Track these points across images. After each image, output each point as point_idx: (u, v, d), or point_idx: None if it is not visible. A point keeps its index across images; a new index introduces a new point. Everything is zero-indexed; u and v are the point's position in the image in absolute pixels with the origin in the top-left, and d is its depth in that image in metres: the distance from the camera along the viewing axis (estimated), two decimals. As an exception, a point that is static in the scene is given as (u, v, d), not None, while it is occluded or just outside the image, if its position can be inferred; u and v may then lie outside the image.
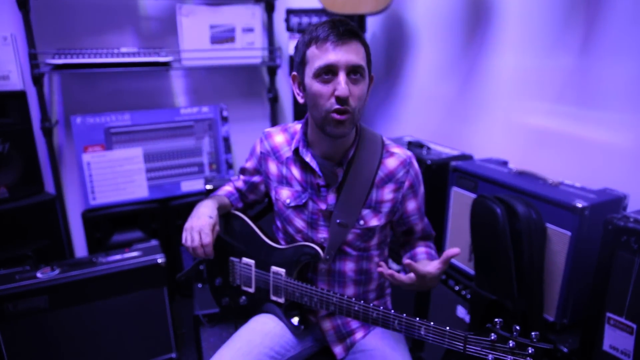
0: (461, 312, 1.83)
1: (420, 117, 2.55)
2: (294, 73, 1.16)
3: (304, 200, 1.23)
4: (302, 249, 1.23)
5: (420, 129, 2.53)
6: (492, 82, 2.05)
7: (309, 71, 1.08)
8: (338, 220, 1.19)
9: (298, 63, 1.12)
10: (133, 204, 2.45)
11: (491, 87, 2.06)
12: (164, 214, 2.49)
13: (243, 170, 1.41)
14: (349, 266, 1.26)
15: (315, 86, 1.06)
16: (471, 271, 1.78)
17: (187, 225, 1.21)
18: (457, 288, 1.84)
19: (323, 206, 1.21)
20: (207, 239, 1.17)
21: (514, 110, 1.95)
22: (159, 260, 1.98)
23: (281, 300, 1.24)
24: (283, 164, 1.27)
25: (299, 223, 1.26)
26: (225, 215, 1.36)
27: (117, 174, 2.39)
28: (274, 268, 1.25)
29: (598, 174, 1.63)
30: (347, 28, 1.05)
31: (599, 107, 1.62)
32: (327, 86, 1.05)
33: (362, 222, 1.21)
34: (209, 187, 1.99)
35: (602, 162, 1.63)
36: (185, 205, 2.49)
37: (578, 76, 1.67)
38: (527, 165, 1.72)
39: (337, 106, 1.05)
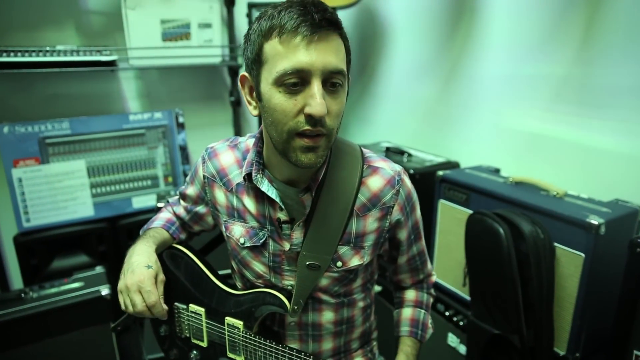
0: (453, 340, 1.62)
1: (397, 120, 2.35)
2: (244, 74, 0.86)
3: (262, 240, 0.96)
4: (262, 297, 0.97)
5: (397, 133, 2.33)
6: (479, 81, 1.86)
7: (268, 75, 0.79)
8: (308, 263, 0.93)
9: (251, 60, 0.82)
10: (76, 224, 2.14)
11: (477, 87, 1.87)
12: (113, 235, 2.21)
13: (184, 197, 1.12)
14: (327, 317, 1.01)
15: (277, 98, 0.78)
16: (465, 296, 1.57)
17: (121, 285, 0.92)
18: (447, 314, 1.63)
19: (287, 246, 0.94)
20: (152, 297, 0.89)
21: (504, 112, 1.77)
22: (104, 292, 1.70)
23: (240, 359, 0.99)
24: (232, 192, 0.98)
25: (259, 267, 0.99)
26: (165, 251, 1.08)
27: (55, 191, 2.08)
28: (228, 319, 0.99)
29: (602, 182, 1.46)
30: (325, 16, 0.76)
31: (602, 107, 1.45)
32: (293, 98, 0.77)
33: (339, 263, 0.95)
34: (161, 205, 1.72)
35: (606, 169, 1.46)
36: (138, 223, 2.19)
37: (578, 73, 1.50)
38: (521, 173, 1.53)
39: (306, 126, 0.78)
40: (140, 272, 0.91)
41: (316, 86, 0.76)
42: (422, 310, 1.11)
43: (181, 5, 2.18)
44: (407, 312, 1.10)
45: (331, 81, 0.79)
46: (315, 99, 0.76)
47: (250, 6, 2.32)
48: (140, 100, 2.42)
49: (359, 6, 2.25)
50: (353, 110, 2.61)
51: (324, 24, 0.76)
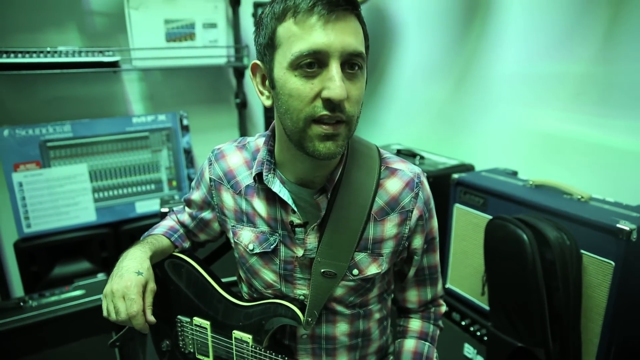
0: (470, 351, 1.55)
1: (408, 122, 2.28)
2: (256, 62, 0.81)
3: (272, 245, 0.89)
4: (273, 308, 0.90)
5: (408, 135, 2.26)
6: (493, 80, 1.79)
7: (282, 59, 0.74)
8: (323, 270, 0.86)
9: (263, 46, 0.78)
10: (78, 230, 2.09)
11: (492, 86, 1.80)
12: (115, 241, 2.15)
13: (189, 203, 1.05)
14: (341, 329, 0.94)
15: (292, 82, 0.73)
16: (481, 304, 1.50)
17: (107, 289, 0.84)
18: (463, 323, 1.56)
19: (300, 252, 0.88)
20: (134, 307, 0.81)
21: (521, 113, 1.69)
22: (105, 301, 1.63)
23: (251, 376, 0.92)
24: (241, 195, 0.92)
25: (269, 275, 0.92)
26: (166, 260, 1.01)
27: (56, 196, 2.03)
28: (236, 333, 0.92)
29: (627, 185, 1.38)
30: None
31: (626, 106, 1.38)
32: (310, 82, 0.72)
33: (356, 270, 0.88)
34: (164, 210, 1.66)
35: (632, 172, 1.38)
36: (142, 229, 2.12)
37: (600, 72, 1.42)
38: (540, 176, 1.45)
39: (324, 112, 0.72)
40: (129, 278, 0.83)
41: (335, 68, 0.71)
42: (427, 343, 1.01)
43: (185, 5, 2.13)
44: (409, 344, 1.00)
45: (350, 63, 0.73)
46: (334, 82, 0.70)
47: (256, 5, 2.26)
48: (143, 103, 2.36)
49: (367, 5, 2.19)
50: (362, 111, 2.55)
51: (341, 2, 0.71)
